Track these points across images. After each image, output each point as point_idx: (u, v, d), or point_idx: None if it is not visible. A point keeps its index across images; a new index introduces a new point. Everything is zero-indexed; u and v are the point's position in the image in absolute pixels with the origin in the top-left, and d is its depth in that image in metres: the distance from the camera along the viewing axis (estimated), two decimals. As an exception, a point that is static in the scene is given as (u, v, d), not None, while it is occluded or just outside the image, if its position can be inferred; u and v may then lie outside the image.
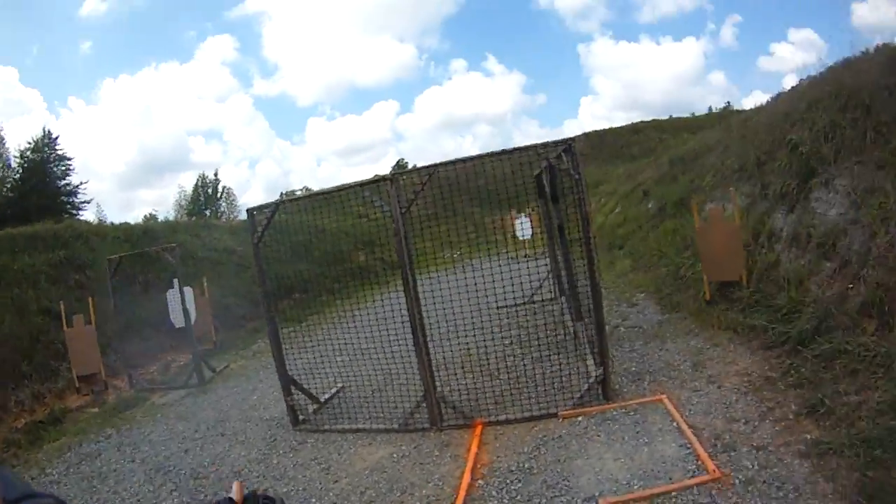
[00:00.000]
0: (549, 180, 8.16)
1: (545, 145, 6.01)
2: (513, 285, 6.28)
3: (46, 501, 0.81)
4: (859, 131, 7.18)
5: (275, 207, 6.86)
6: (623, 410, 5.72)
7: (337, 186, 6.72)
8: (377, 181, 6.27)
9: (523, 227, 19.37)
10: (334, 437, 6.51)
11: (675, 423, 5.23)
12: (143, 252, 12.49)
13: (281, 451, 6.41)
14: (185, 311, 10.41)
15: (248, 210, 7.25)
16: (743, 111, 19.64)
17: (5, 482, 0.79)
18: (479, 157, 6.14)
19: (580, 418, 5.74)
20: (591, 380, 6.04)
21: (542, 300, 10.50)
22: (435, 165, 6.08)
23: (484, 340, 6.69)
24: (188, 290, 10.83)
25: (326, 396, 7.60)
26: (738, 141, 11.93)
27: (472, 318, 6.36)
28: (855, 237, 6.28)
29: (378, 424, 6.52)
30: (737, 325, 7.22)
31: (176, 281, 10.49)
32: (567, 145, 5.83)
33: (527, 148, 5.98)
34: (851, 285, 5.93)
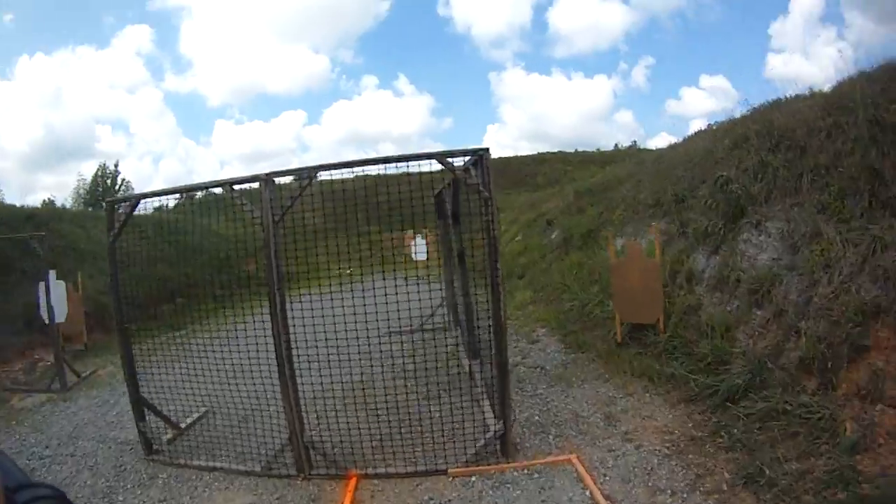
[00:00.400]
0: (451, 197, 7.24)
1: (452, 153, 5.03)
2: (408, 309, 5.25)
3: (44, 491, 0.79)
4: (794, 172, 6.85)
5: (136, 201, 5.75)
6: (525, 472, 4.85)
7: (205, 183, 5.49)
8: (248, 180, 5.08)
9: (418, 248, 18.56)
10: (189, 473, 5.54)
11: (587, 492, 4.41)
12: (8, 238, 11.43)
13: (129, 485, 5.47)
14: (50, 307, 9.32)
15: (106, 202, 6.22)
16: (650, 150, 19.93)
17: (4, 470, 0.78)
18: (374, 160, 5.15)
19: (474, 478, 4.81)
20: (490, 434, 5.08)
21: (434, 328, 9.50)
22: (317, 168, 4.99)
23: (369, 371, 5.74)
24: (58, 284, 9.84)
25: (187, 422, 6.56)
26: (653, 176, 11.68)
27: (357, 344, 5.24)
28: (791, 285, 5.82)
29: (239, 465, 5.48)
30: (652, 372, 6.60)
31: (51, 273, 9.51)
32: (478, 156, 4.92)
33: (431, 155, 5.03)
34: (788, 338, 5.38)
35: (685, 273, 7.66)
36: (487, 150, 4.95)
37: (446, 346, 8.44)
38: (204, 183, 5.54)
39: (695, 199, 8.90)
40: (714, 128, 11.69)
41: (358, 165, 5.11)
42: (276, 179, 5.01)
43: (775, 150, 7.59)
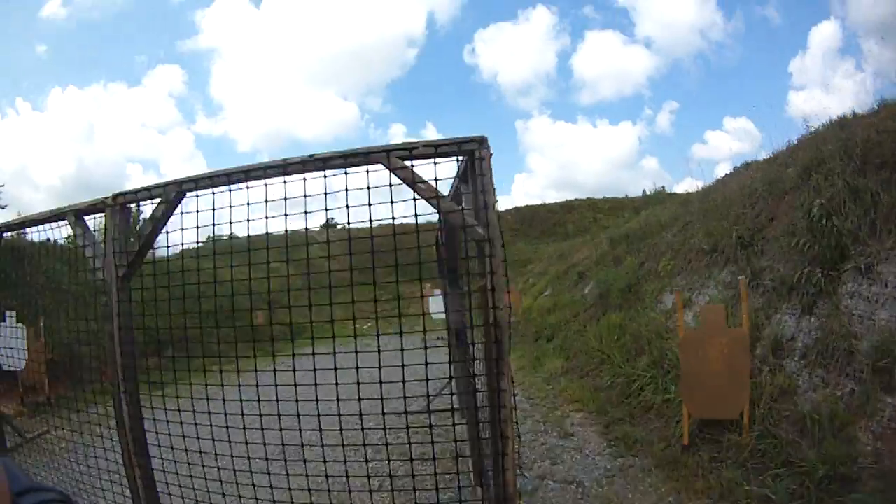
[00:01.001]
0: (443, 240, 5.45)
1: (413, 146, 3.11)
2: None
3: (50, 496, 0.79)
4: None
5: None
6: None
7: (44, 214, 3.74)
8: (90, 210, 3.35)
9: (437, 304, 16.71)
10: None
11: None
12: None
13: None
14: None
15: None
16: (680, 194, 17.91)
17: (11, 474, 0.75)
18: (284, 163, 3.14)
19: None
20: None
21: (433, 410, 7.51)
22: (181, 181, 3.19)
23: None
24: (16, 328, 8.37)
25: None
26: (703, 216, 9.71)
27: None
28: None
29: None
30: (738, 492, 4.54)
31: (7, 315, 8.21)
32: (469, 153, 3.03)
33: (381, 150, 3.04)
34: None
35: (769, 342, 5.65)
36: (484, 139, 3.00)
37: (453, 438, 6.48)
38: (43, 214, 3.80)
39: (767, 242, 6.93)
40: (782, 152, 9.74)
41: (257, 177, 3.21)
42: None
43: (862, 171, 5.71)
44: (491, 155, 2.92)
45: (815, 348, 5.08)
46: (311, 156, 2.98)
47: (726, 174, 12.55)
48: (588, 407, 7.72)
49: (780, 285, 6.01)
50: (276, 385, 3.36)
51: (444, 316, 16.46)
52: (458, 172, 3.25)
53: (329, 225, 4.05)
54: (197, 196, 3.24)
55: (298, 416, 3.28)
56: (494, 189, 2.92)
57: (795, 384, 5.04)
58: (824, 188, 6.21)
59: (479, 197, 2.97)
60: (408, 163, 2.91)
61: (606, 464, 5.83)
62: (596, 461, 5.97)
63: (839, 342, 4.83)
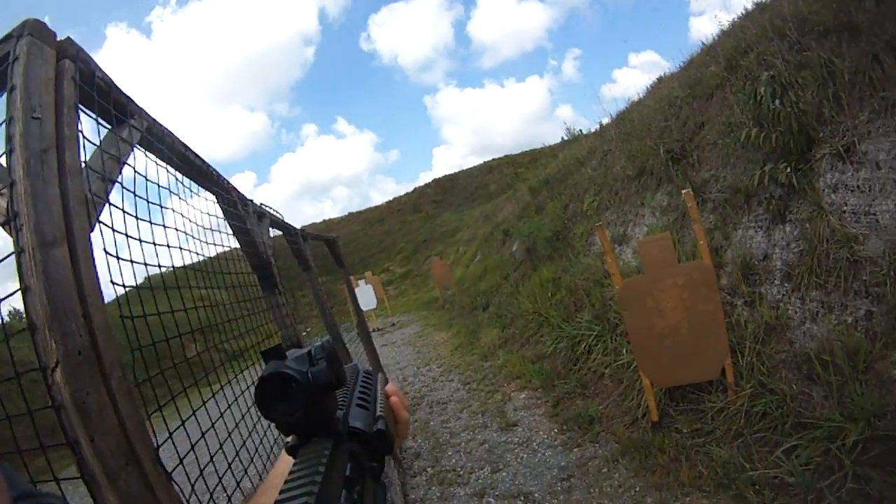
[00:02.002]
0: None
1: None
2: None
3: (48, 500, 0.73)
4: (861, 61, 3.69)
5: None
6: None
7: None
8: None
9: (364, 294, 15.20)
10: None
11: None
12: None
13: None
14: None
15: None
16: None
17: (8, 479, 0.69)
18: None
19: None
20: None
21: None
22: None
23: None
24: None
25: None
26: (624, 141, 8.37)
27: None
28: None
29: None
30: (739, 478, 3.17)
31: None
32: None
33: None
34: None
35: (736, 267, 4.32)
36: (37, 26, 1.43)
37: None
38: None
39: (703, 149, 5.64)
40: (709, 43, 8.45)
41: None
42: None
43: (802, 47, 4.57)
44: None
45: (801, 264, 3.76)
46: None
47: (639, 96, 11.27)
48: (532, 383, 6.33)
49: (734, 195, 4.71)
50: None
51: (374, 306, 14.98)
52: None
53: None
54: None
55: None
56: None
57: (786, 315, 3.72)
58: (759, 73, 4.91)
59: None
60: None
61: (560, 460, 4.42)
62: (547, 458, 4.54)
63: (835, 250, 3.52)
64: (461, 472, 4.75)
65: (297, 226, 5.28)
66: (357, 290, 14.87)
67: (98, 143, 1.52)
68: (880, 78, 3.80)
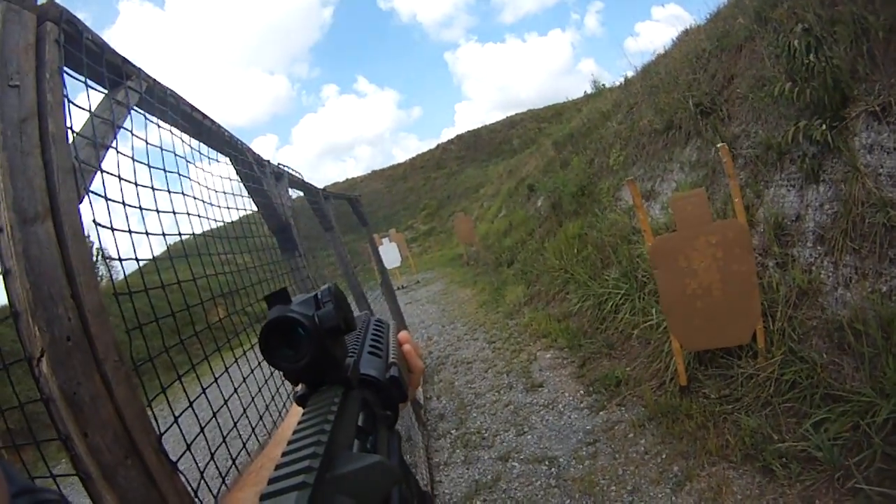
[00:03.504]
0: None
1: None
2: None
3: (47, 496, 0.72)
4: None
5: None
6: None
7: None
8: None
9: (388, 253, 15.23)
10: None
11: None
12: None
13: None
14: None
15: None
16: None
17: (7, 474, 0.68)
18: None
19: None
20: None
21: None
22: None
23: None
24: None
25: None
26: (650, 94, 8.07)
27: None
28: None
29: None
30: (766, 449, 3.11)
31: None
32: None
33: None
34: None
35: (768, 227, 4.17)
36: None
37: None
38: None
39: (733, 104, 5.40)
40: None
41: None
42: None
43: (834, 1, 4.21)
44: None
45: (834, 227, 3.59)
46: None
47: (665, 49, 10.80)
48: (558, 342, 6.29)
49: (766, 151, 4.50)
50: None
51: (398, 264, 14.98)
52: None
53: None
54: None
55: None
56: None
57: (818, 280, 3.58)
58: (790, 26, 4.62)
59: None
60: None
61: (586, 423, 4.40)
62: (573, 421, 4.53)
63: (870, 214, 3.35)
64: (486, 435, 4.76)
65: (320, 186, 5.22)
66: (381, 249, 14.93)
67: (89, 108, 1.39)
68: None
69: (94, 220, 1.27)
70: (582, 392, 4.93)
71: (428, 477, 4.26)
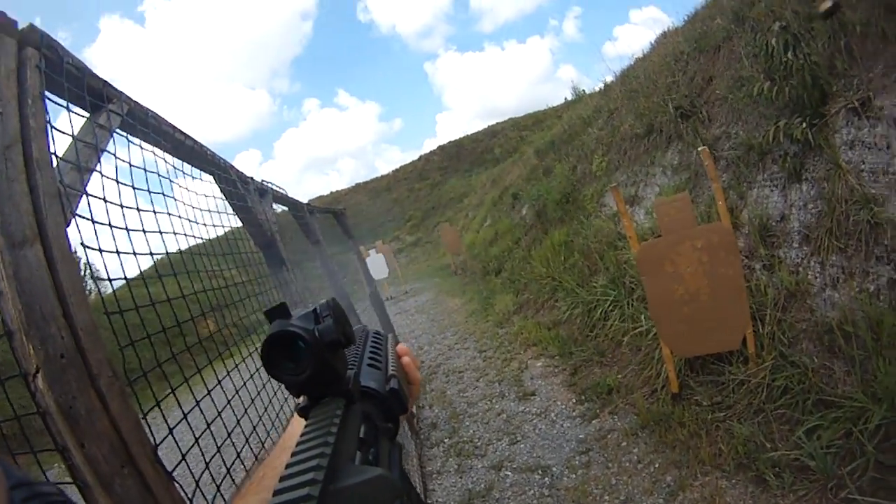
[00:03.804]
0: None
1: None
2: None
3: (44, 489, 0.72)
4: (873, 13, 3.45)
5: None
6: None
7: None
8: None
9: (375, 264, 15.13)
10: None
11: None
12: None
13: None
14: None
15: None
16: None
17: (4, 468, 0.68)
18: None
19: None
20: None
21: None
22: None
23: None
24: None
25: None
26: (629, 98, 8.07)
27: None
28: None
29: None
30: (759, 458, 3.05)
31: None
32: None
33: None
34: None
35: (753, 228, 4.13)
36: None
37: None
38: None
39: (712, 105, 5.38)
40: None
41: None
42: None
43: None
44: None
45: (819, 226, 3.56)
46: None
47: (643, 52, 10.82)
48: (548, 350, 6.22)
49: (747, 152, 4.47)
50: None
51: (386, 275, 14.85)
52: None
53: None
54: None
55: None
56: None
57: (806, 281, 3.54)
58: (768, 24, 4.61)
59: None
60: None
61: (579, 432, 4.33)
62: (565, 429, 4.46)
63: (854, 211, 3.32)
64: (478, 444, 4.69)
65: (305, 199, 5.18)
66: (368, 260, 14.84)
67: (71, 133, 1.41)
68: (893, 30, 3.53)
69: (81, 243, 1.32)
70: (574, 400, 4.86)
71: (421, 486, 4.20)
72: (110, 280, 1.50)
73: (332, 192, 37.06)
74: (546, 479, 3.88)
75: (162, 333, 1.60)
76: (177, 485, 1.25)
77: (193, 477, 1.35)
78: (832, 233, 3.43)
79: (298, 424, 0.67)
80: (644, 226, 5.84)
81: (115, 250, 1.47)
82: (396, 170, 35.00)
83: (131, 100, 1.77)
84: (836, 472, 2.68)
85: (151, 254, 1.71)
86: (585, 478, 3.71)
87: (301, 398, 0.54)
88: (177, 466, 1.31)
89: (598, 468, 3.77)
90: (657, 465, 3.51)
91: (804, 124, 3.78)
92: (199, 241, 2.24)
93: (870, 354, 2.90)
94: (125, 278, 1.56)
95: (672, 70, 6.75)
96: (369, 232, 25.86)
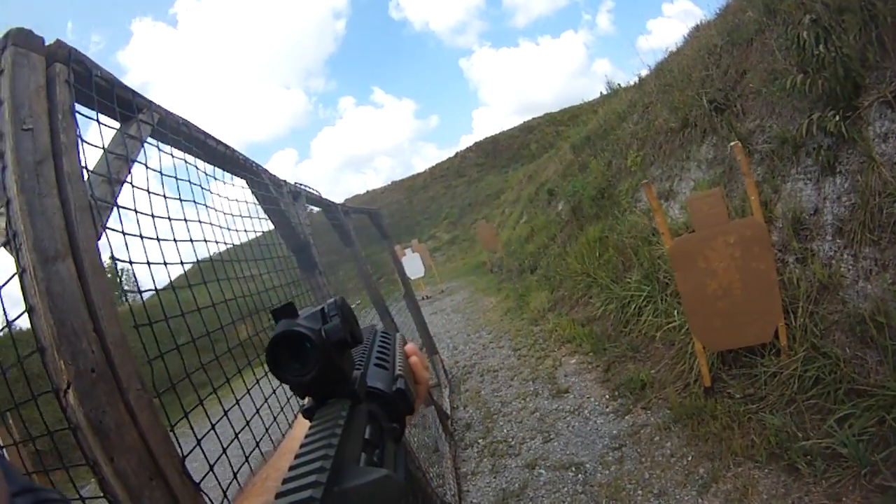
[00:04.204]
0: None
1: None
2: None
3: (47, 495, 0.72)
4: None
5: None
6: None
7: None
8: None
9: (411, 263, 15.32)
10: None
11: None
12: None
13: None
14: None
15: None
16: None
17: (6, 474, 0.69)
18: None
19: None
20: None
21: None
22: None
23: None
24: None
25: None
26: (663, 92, 8.04)
27: None
28: None
29: None
30: (791, 448, 3.07)
31: None
32: None
33: None
34: None
35: (787, 222, 4.13)
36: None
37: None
38: None
39: (746, 99, 5.36)
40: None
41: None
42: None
43: None
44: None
45: (853, 219, 3.55)
46: None
47: (676, 46, 10.72)
48: (582, 347, 6.27)
49: (781, 145, 4.46)
50: None
51: (422, 274, 14.99)
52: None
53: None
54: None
55: None
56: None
57: (838, 274, 3.54)
58: (799, 17, 4.58)
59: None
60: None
61: (612, 428, 4.39)
62: (598, 426, 4.52)
63: (888, 204, 3.31)
64: (512, 443, 4.77)
65: (341, 199, 5.27)
66: (404, 260, 15.02)
67: (102, 145, 1.43)
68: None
69: (111, 256, 1.33)
70: (607, 396, 4.92)
71: (455, 488, 4.26)
72: (140, 293, 1.52)
73: (368, 191, 37.41)
74: (580, 475, 3.95)
75: (191, 343, 1.63)
76: (204, 495, 1.26)
77: (221, 488, 1.39)
78: (865, 225, 3.42)
79: (302, 426, 0.70)
80: (679, 221, 5.84)
81: (145, 261, 1.48)
82: (433, 167, 35.16)
83: (162, 108, 1.79)
84: (869, 458, 2.70)
85: (182, 263, 1.73)
86: (619, 473, 3.77)
87: (306, 399, 0.53)
88: (204, 478, 1.33)
89: (632, 463, 3.82)
90: (690, 458, 3.55)
91: (837, 117, 3.77)
92: (230, 246, 2.24)
93: (888, 350, 2.91)
94: (155, 289, 1.58)
95: (706, 63, 6.72)
96: (406, 230, 26.05)
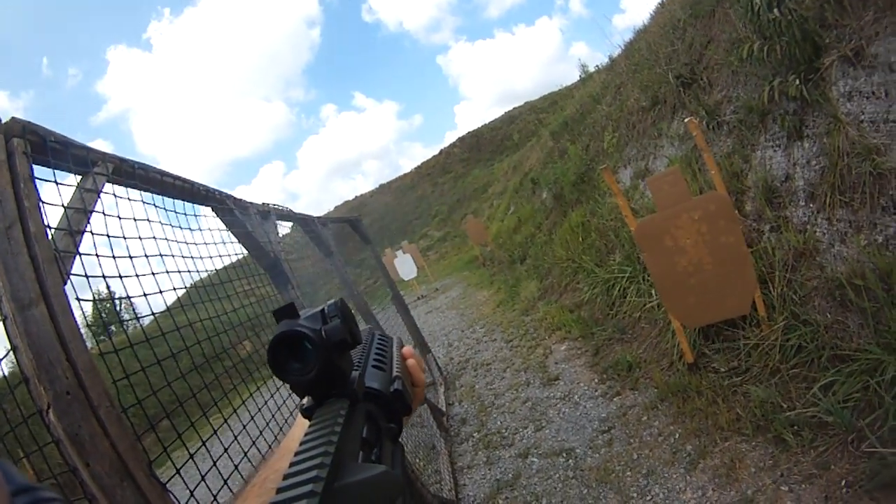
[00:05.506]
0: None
1: None
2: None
3: (46, 494, 0.73)
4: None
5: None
6: None
7: None
8: None
9: (404, 265, 15.24)
10: None
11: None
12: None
13: None
14: None
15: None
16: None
17: (6, 473, 0.70)
18: None
19: None
20: None
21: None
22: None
23: None
24: None
25: None
26: (633, 71, 7.93)
27: None
28: None
29: None
30: (776, 420, 2.98)
31: None
32: None
33: None
34: None
35: (759, 191, 4.03)
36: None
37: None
38: None
39: (712, 70, 5.27)
40: None
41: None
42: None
43: None
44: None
45: (823, 182, 3.45)
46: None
47: (644, 23, 10.60)
48: (571, 333, 6.18)
49: (749, 114, 4.36)
50: None
51: (414, 275, 14.89)
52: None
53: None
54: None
55: None
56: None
57: (814, 239, 3.45)
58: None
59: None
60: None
61: (601, 411, 4.30)
62: (588, 410, 4.43)
63: (856, 164, 3.21)
64: (506, 434, 4.69)
65: (332, 206, 5.29)
66: (396, 262, 14.93)
67: (61, 203, 1.59)
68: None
69: (76, 297, 1.47)
70: (596, 380, 4.83)
71: (452, 482, 4.21)
72: (138, 318, 1.77)
73: (357, 196, 37.27)
74: (570, 461, 3.87)
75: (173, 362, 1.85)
76: (171, 494, 1.41)
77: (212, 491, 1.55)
78: (836, 188, 3.33)
79: (301, 426, 0.71)
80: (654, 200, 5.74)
81: (110, 298, 1.78)
82: (419, 166, 35.05)
83: (115, 157, 1.92)
84: (855, 425, 2.61)
85: (145, 294, 1.88)
86: (608, 456, 3.69)
87: (305, 399, 0.54)
88: (170, 479, 1.47)
89: (620, 445, 3.74)
90: (677, 436, 3.47)
91: (798, 81, 3.67)
92: (207, 273, 2.39)
93: (882, 306, 2.81)
94: (136, 317, 1.86)
95: (671, 39, 6.61)
96: (397, 231, 25.97)
